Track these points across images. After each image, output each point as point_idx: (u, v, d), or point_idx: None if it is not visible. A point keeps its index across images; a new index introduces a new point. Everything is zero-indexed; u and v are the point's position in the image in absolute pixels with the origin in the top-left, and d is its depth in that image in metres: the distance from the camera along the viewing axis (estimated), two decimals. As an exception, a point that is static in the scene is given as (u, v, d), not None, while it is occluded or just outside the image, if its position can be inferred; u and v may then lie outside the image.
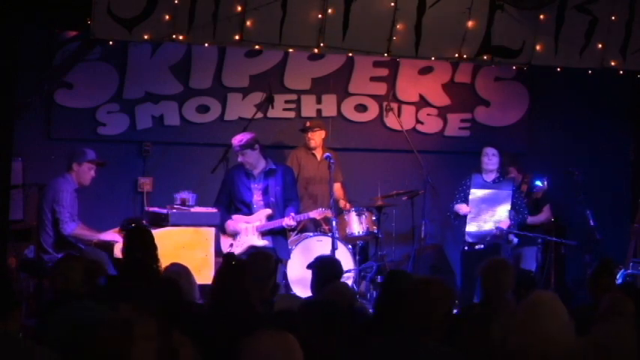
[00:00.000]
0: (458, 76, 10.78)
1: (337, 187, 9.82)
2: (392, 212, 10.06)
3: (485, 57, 8.88)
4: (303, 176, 9.89)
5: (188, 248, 8.45)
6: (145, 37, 8.09)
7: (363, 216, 9.66)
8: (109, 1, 7.85)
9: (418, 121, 10.77)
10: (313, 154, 9.96)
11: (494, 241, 9.38)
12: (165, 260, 6.75)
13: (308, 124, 10.00)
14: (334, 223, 9.28)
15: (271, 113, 10.28)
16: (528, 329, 4.29)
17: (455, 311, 4.77)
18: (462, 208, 9.49)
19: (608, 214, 10.46)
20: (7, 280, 4.88)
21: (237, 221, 9.20)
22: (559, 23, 8.89)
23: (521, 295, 6.00)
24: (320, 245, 9.25)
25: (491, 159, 9.53)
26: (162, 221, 8.61)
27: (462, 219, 9.49)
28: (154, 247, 6.80)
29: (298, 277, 9.06)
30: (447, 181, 10.11)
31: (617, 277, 8.65)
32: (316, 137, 9.91)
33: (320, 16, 8.35)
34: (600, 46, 9.02)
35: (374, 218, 9.70)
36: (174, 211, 8.73)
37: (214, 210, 8.92)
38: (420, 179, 10.20)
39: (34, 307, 7.97)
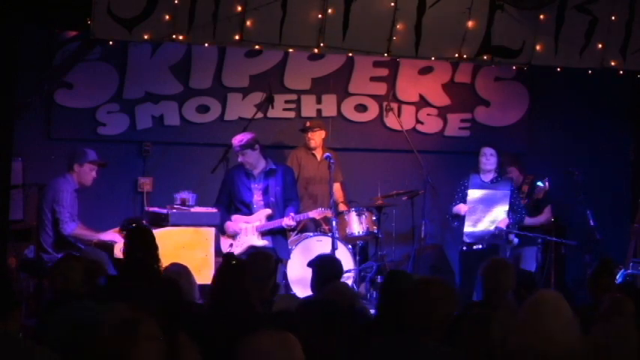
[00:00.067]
0: (458, 76, 10.78)
1: (337, 188, 9.82)
2: (392, 212, 10.06)
3: (485, 57, 8.89)
4: (303, 176, 9.89)
5: (188, 248, 8.45)
6: (145, 37, 8.09)
7: (363, 216, 9.66)
8: (109, 1, 7.85)
9: (418, 121, 10.77)
10: (313, 154, 9.96)
11: (492, 241, 9.39)
12: (165, 260, 6.76)
13: (308, 124, 10.00)
14: (334, 223, 9.28)
15: (271, 113, 10.28)
16: (530, 328, 4.29)
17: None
18: (461, 208, 9.49)
19: (608, 214, 10.46)
20: (7, 280, 4.88)
21: (236, 222, 9.20)
22: (559, 23, 8.89)
23: (521, 296, 6.00)
24: (320, 245, 9.25)
25: (489, 159, 9.53)
26: (162, 221, 8.61)
27: (461, 220, 9.49)
28: (155, 247, 6.81)
29: (298, 277, 9.06)
30: (447, 181, 10.11)
31: (617, 277, 8.66)
32: (316, 137, 9.91)
33: (320, 16, 8.35)
34: (600, 46, 9.02)
35: (374, 218, 9.70)
36: (174, 211, 8.73)
37: (214, 210, 8.92)
38: (420, 179, 10.20)
39: (34, 307, 7.96)
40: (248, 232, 9.17)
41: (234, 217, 9.23)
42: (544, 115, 11.01)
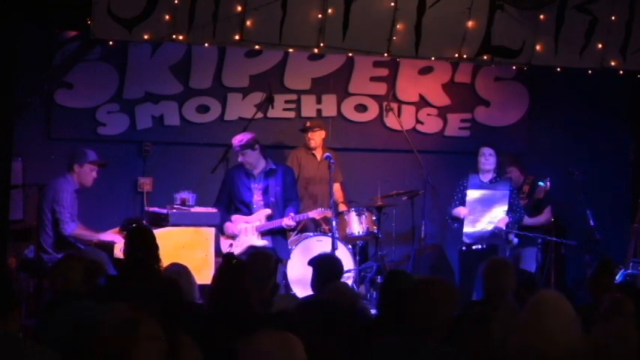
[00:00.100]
0: (458, 76, 10.78)
1: (337, 188, 9.82)
2: (392, 212, 10.06)
3: (485, 57, 8.89)
4: (303, 176, 9.89)
5: (188, 248, 8.45)
6: (145, 37, 8.09)
7: (363, 216, 9.66)
8: (109, 1, 7.85)
9: (418, 121, 10.77)
10: (313, 154, 9.96)
11: (492, 241, 9.39)
12: (165, 260, 6.76)
13: (308, 124, 10.00)
14: (334, 223, 9.28)
15: (271, 113, 10.28)
16: (531, 328, 4.28)
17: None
18: (460, 211, 9.49)
19: (608, 214, 10.45)
20: (7, 280, 4.88)
21: (236, 223, 9.20)
22: (559, 23, 8.89)
23: (521, 296, 6.01)
24: (320, 245, 9.25)
25: (488, 159, 9.53)
26: (162, 221, 8.61)
27: (461, 222, 9.50)
28: (156, 247, 6.81)
29: (298, 277, 9.06)
30: (447, 181, 10.11)
31: (617, 276, 8.66)
32: (316, 137, 9.91)
33: (320, 16, 8.35)
34: (600, 46, 9.02)
35: (374, 218, 9.70)
36: (174, 211, 8.73)
37: (214, 210, 8.92)
38: (420, 179, 10.20)
39: (34, 307, 7.96)
40: (248, 232, 9.17)
41: (234, 217, 9.23)
42: (544, 115, 11.01)
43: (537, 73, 10.34)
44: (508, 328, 4.46)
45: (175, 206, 8.84)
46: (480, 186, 9.53)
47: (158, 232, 7.40)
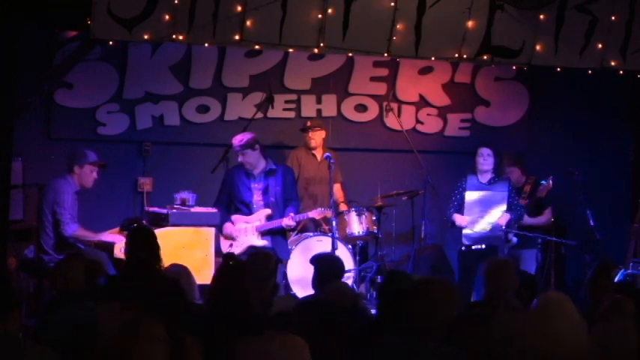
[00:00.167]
0: (458, 76, 10.78)
1: (337, 188, 9.82)
2: (392, 212, 10.06)
3: (485, 57, 8.89)
4: (303, 176, 9.89)
5: (188, 248, 8.45)
6: (145, 37, 8.09)
7: (363, 216, 9.66)
8: (109, 1, 7.85)
9: (418, 121, 10.77)
10: (313, 155, 9.96)
11: (491, 242, 9.39)
12: (165, 260, 6.76)
13: (309, 123, 9.99)
14: (334, 223, 9.28)
15: (271, 113, 10.28)
16: (538, 331, 4.27)
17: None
18: (459, 219, 9.48)
19: (608, 214, 10.45)
20: (7, 280, 4.88)
21: (235, 223, 9.20)
22: (559, 23, 8.89)
23: (522, 296, 6.00)
24: (320, 245, 9.25)
25: (486, 159, 9.54)
26: (162, 221, 8.61)
27: (460, 227, 9.52)
28: (157, 247, 6.81)
29: (298, 277, 9.07)
30: (447, 181, 10.11)
31: (617, 276, 8.65)
32: (317, 137, 9.91)
33: (320, 16, 8.35)
34: (600, 46, 9.02)
35: (374, 218, 9.70)
36: (174, 211, 8.73)
37: (214, 210, 8.92)
38: (420, 179, 10.20)
39: (34, 307, 7.97)
40: (248, 232, 9.17)
41: (235, 217, 9.23)
42: (544, 115, 11.01)
43: (537, 73, 10.34)
44: (510, 329, 4.45)
45: (175, 206, 8.84)
46: (479, 187, 9.53)
47: (158, 232, 7.40)
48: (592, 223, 9.55)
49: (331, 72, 10.47)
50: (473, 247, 9.43)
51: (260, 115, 10.11)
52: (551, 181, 9.43)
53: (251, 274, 5.61)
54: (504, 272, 6.05)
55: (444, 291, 4.44)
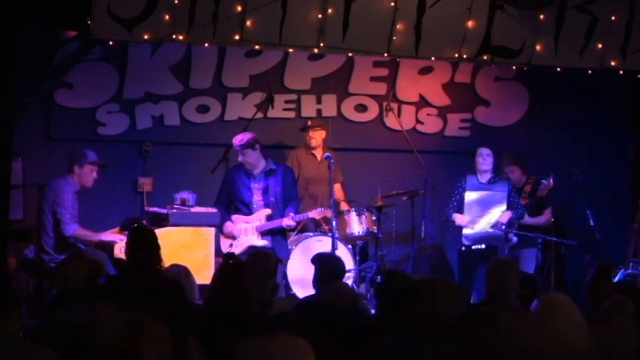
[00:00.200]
0: (458, 76, 10.78)
1: (337, 188, 9.83)
2: (392, 212, 10.05)
3: (485, 57, 8.89)
4: (303, 176, 9.89)
5: (188, 248, 8.45)
6: (145, 37, 8.09)
7: (363, 216, 9.66)
8: (109, 1, 7.85)
9: (418, 121, 10.77)
10: (313, 155, 9.96)
11: (491, 242, 9.39)
12: (165, 260, 6.76)
13: (309, 123, 10.00)
14: (334, 223, 9.28)
15: (271, 113, 10.28)
16: (540, 332, 4.27)
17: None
18: (459, 218, 9.48)
19: (608, 214, 10.45)
20: (7, 280, 4.88)
21: (235, 223, 9.20)
22: (559, 23, 8.89)
23: (522, 296, 6.01)
24: (320, 245, 9.25)
25: (485, 159, 9.54)
26: (162, 221, 8.61)
27: (460, 226, 9.52)
28: (157, 247, 6.81)
29: (298, 277, 9.07)
30: (447, 181, 10.10)
31: (617, 276, 8.66)
32: (317, 136, 9.91)
33: (320, 16, 8.35)
34: (600, 46, 9.02)
35: (374, 218, 9.70)
36: (174, 211, 8.73)
37: (214, 210, 8.92)
38: (420, 179, 10.20)
39: (34, 307, 7.97)
40: (248, 232, 9.17)
41: (235, 217, 9.23)
42: (544, 115, 11.01)
43: (537, 73, 10.33)
44: (511, 329, 4.45)
45: (175, 206, 8.84)
46: (478, 187, 9.53)
47: (158, 232, 7.40)
48: (592, 223, 9.56)
49: (331, 72, 10.46)
50: (473, 247, 9.43)
51: (260, 115, 10.11)
52: (551, 180, 9.42)
53: (251, 274, 5.61)
54: (506, 273, 6.05)
55: (444, 291, 4.44)
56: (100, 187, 9.13)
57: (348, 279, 8.91)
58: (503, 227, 9.36)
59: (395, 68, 10.58)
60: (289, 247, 9.30)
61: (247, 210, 9.23)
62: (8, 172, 7.88)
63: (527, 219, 9.71)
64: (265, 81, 10.09)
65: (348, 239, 9.63)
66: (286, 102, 10.38)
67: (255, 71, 10.23)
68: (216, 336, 4.86)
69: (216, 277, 5.58)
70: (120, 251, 8.15)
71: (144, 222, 8.63)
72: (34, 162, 9.15)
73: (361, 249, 9.91)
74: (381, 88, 10.63)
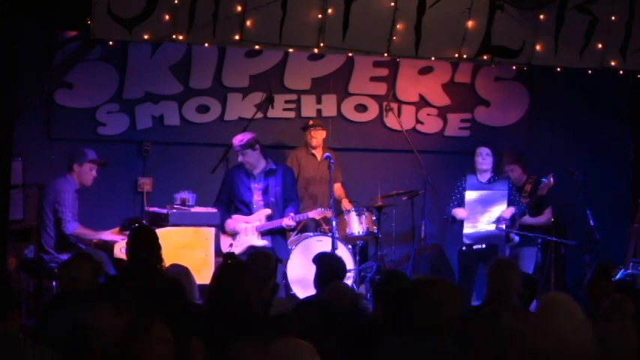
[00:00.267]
0: (458, 76, 10.78)
1: (338, 187, 9.83)
2: (392, 212, 10.05)
3: (485, 57, 8.89)
4: (303, 176, 9.89)
5: (188, 248, 8.45)
6: (145, 37, 8.09)
7: (363, 216, 9.66)
8: (109, 1, 7.85)
9: (418, 121, 10.77)
10: (313, 155, 9.96)
11: (492, 241, 9.39)
12: (165, 260, 6.76)
13: (310, 122, 10.00)
14: (334, 223, 9.28)
15: (271, 113, 10.28)
16: (542, 331, 4.27)
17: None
18: (459, 212, 9.49)
19: (608, 214, 10.46)
20: (7, 280, 4.88)
21: (236, 221, 9.20)
22: (559, 23, 8.89)
23: (523, 296, 6.00)
24: (320, 245, 9.24)
25: (485, 159, 9.54)
26: (162, 221, 8.61)
27: (460, 223, 9.50)
28: (158, 247, 6.81)
29: (298, 277, 9.07)
30: (447, 181, 10.10)
31: (617, 276, 8.66)
32: (318, 136, 9.91)
33: (320, 16, 8.35)
34: (600, 46, 9.02)
35: (374, 218, 9.70)
36: (174, 211, 8.73)
37: (214, 210, 8.92)
38: (420, 179, 10.20)
39: (34, 307, 7.97)
40: (248, 232, 9.17)
41: (235, 217, 9.24)
42: (544, 115, 11.01)
43: (537, 73, 10.34)
44: (512, 329, 4.45)
45: (175, 206, 8.84)
46: (479, 186, 9.53)
47: (158, 232, 7.40)
48: (592, 223, 9.56)
49: (331, 72, 10.46)
50: (473, 247, 9.43)
51: (260, 115, 10.11)
52: (552, 178, 9.42)
53: (251, 274, 5.61)
54: (508, 272, 6.05)
55: (445, 291, 4.44)
56: (100, 187, 9.13)
57: (348, 279, 8.91)
58: (506, 223, 9.36)
59: (395, 68, 10.58)
60: (289, 247, 9.30)
61: (247, 210, 9.23)
62: (8, 172, 7.88)
63: (528, 219, 9.71)
64: (265, 81, 10.09)
65: (348, 239, 9.63)
66: (286, 102, 10.38)
67: (255, 71, 10.23)
68: (216, 336, 4.86)
69: (216, 276, 5.58)
70: (120, 251, 8.15)
71: (144, 222, 8.63)
72: (34, 162, 9.16)
73: (361, 249, 9.91)
74: (381, 88, 10.63)
